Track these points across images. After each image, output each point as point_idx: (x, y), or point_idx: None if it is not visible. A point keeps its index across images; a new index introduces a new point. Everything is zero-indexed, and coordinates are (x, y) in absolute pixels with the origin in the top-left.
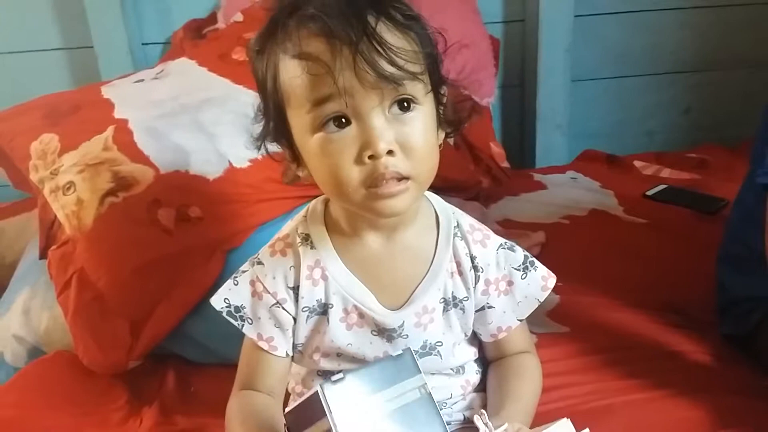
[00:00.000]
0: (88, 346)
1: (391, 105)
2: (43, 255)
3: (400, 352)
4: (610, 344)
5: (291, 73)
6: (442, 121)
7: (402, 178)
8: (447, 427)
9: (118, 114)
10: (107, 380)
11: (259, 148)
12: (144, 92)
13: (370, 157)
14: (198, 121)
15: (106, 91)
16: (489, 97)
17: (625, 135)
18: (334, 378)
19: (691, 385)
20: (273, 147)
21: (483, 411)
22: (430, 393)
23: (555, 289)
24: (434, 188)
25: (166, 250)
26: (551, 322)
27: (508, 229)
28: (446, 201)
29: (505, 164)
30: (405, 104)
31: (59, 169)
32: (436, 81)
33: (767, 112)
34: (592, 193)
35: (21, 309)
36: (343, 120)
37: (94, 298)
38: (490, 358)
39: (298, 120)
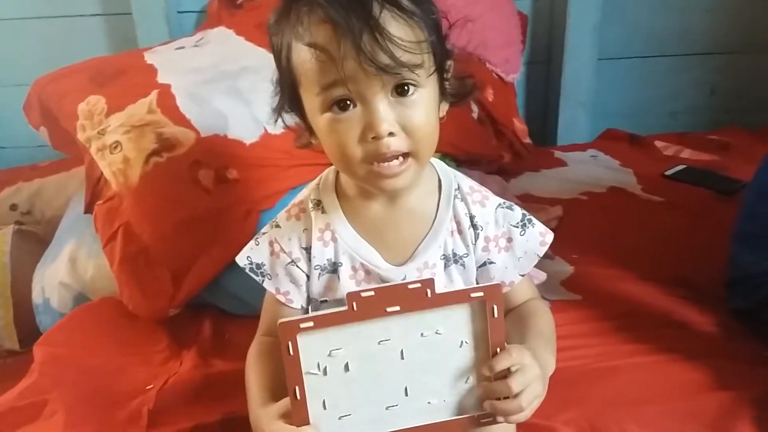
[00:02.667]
0: (133, 294)
1: (393, 89)
2: (88, 209)
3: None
4: (619, 312)
5: (301, 57)
6: (447, 94)
7: (403, 156)
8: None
9: (161, 79)
10: (149, 325)
11: (276, 119)
12: (185, 59)
13: (372, 138)
14: (236, 88)
15: (149, 57)
16: (515, 73)
17: (649, 115)
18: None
19: (695, 351)
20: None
21: None
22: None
23: (570, 261)
24: (456, 161)
25: (205, 208)
26: (564, 291)
27: (527, 203)
28: (468, 174)
29: (528, 140)
30: (406, 88)
31: (106, 129)
32: (440, 59)
33: None
34: (611, 171)
35: (67, 258)
36: (349, 102)
37: (139, 250)
38: None
39: (309, 100)
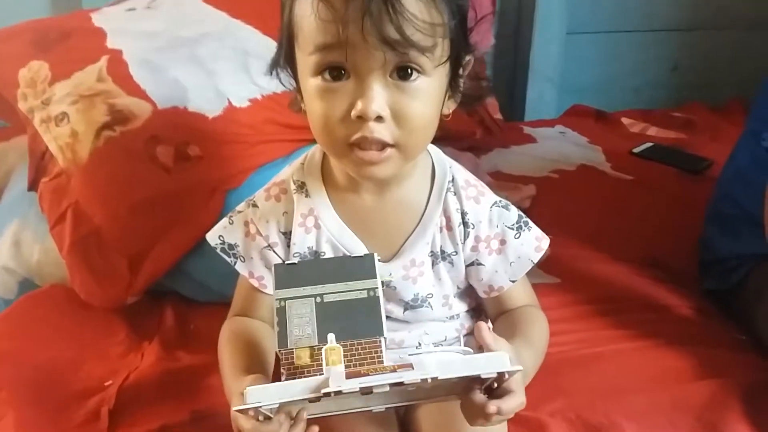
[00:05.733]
0: (85, 281)
1: (393, 70)
2: (32, 187)
3: (362, 255)
4: (599, 296)
5: (303, 10)
6: (457, 92)
7: (384, 146)
8: (385, 329)
9: (110, 44)
10: (105, 315)
11: (270, 73)
12: (137, 22)
13: (357, 117)
14: (196, 56)
15: (97, 19)
16: (485, 47)
17: (613, 90)
18: (289, 262)
19: (675, 336)
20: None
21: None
22: (378, 297)
23: None
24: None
25: (164, 188)
26: (543, 273)
27: (499, 180)
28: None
29: (498, 116)
30: (408, 71)
31: (51, 99)
32: (458, 52)
33: None
34: (580, 148)
35: (11, 241)
36: (342, 72)
37: (91, 233)
38: (492, 316)
39: (302, 59)
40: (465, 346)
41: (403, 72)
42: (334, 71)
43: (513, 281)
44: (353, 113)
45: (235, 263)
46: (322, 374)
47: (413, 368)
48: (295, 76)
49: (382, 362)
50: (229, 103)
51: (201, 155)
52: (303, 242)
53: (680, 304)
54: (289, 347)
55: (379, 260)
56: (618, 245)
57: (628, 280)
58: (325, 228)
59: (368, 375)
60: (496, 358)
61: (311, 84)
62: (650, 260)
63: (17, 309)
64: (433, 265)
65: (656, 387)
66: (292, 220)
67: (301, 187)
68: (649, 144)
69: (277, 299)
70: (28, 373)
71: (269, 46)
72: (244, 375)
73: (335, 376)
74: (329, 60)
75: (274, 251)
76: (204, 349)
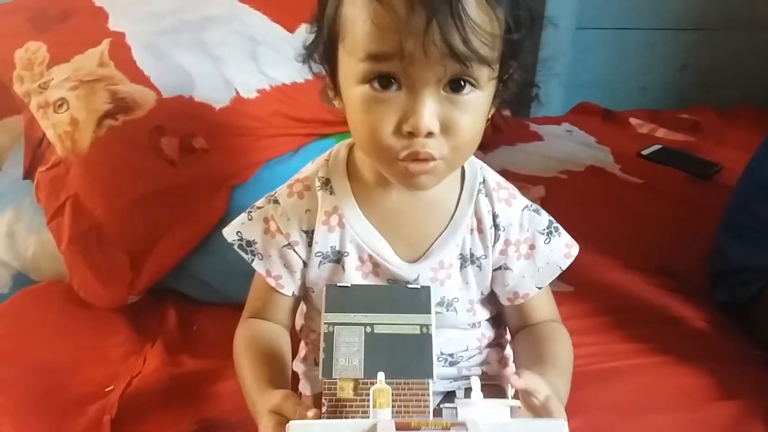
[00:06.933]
0: (85, 278)
1: (448, 83)
2: (27, 175)
3: (419, 286)
4: (613, 306)
5: (356, 12)
6: (498, 98)
7: (433, 159)
8: (435, 372)
9: (113, 26)
10: (105, 315)
11: (304, 62)
12: (139, 2)
13: (408, 132)
14: (201, 41)
15: None
16: None
17: (619, 88)
18: (341, 283)
19: (692, 351)
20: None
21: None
22: (431, 335)
23: None
24: None
25: (169, 182)
26: (556, 281)
27: (508, 181)
28: None
29: (506, 112)
30: (462, 84)
31: (49, 83)
32: (511, 65)
33: None
34: (588, 148)
35: (4, 231)
36: (392, 81)
37: (91, 228)
38: (513, 328)
39: (347, 63)
40: (486, 358)
41: (456, 84)
42: (384, 80)
43: (539, 288)
44: (405, 128)
45: (252, 261)
46: (367, 414)
47: (467, 429)
48: (332, 72)
49: (428, 406)
50: (237, 93)
51: (207, 148)
52: (326, 241)
53: (694, 316)
54: (333, 377)
55: (406, 262)
56: (629, 252)
57: (641, 289)
58: (349, 227)
59: (419, 430)
60: (554, 427)
61: (357, 91)
62: (661, 269)
63: (13, 306)
64: (461, 268)
65: (675, 406)
66: (315, 218)
67: (326, 183)
68: (658, 146)
69: (325, 323)
70: (26, 376)
71: (278, 35)
72: (269, 388)
73: (384, 424)
74: (381, 70)
75: (294, 250)
76: (209, 354)
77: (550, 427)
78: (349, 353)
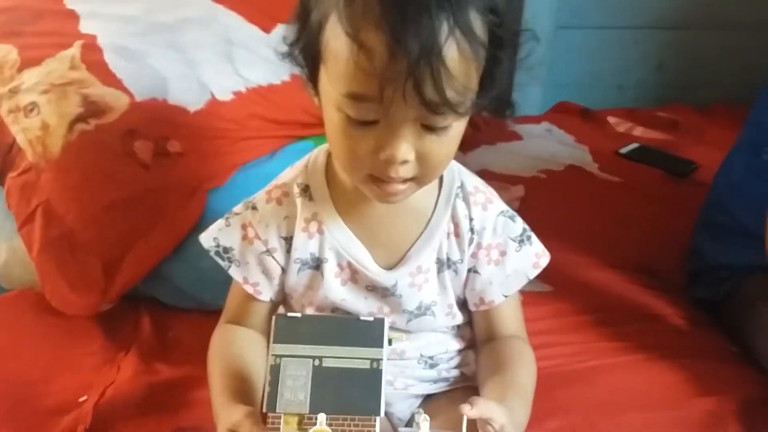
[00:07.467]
0: (57, 286)
1: (423, 122)
2: None
3: (372, 319)
4: (591, 305)
5: (338, 46)
6: (477, 110)
7: (405, 180)
8: (383, 407)
9: (84, 28)
10: (78, 323)
11: (284, 58)
12: (112, 4)
13: (384, 160)
14: (175, 44)
15: (69, 0)
16: None
17: (596, 87)
18: (292, 314)
19: (669, 349)
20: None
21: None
22: (381, 370)
23: None
24: None
25: (143, 186)
26: (535, 280)
27: (487, 180)
28: None
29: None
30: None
31: (19, 87)
32: (492, 88)
33: None
34: (567, 147)
35: None
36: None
37: (63, 234)
38: (479, 339)
39: (328, 87)
40: (463, 359)
41: (432, 125)
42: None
43: (505, 296)
44: (381, 157)
45: (229, 268)
46: None
47: None
48: (311, 77)
49: None
50: (212, 96)
51: (181, 151)
52: (305, 248)
53: (671, 313)
54: (277, 411)
55: (384, 269)
56: (607, 250)
57: (619, 287)
58: (329, 234)
59: None
60: None
61: (337, 116)
62: (640, 267)
63: None
64: (438, 272)
65: (654, 403)
66: (294, 224)
67: (305, 190)
68: (636, 145)
69: (272, 354)
70: None
71: (254, 36)
72: (233, 402)
73: None
74: (360, 112)
75: (272, 257)
76: (185, 361)
77: None
78: (295, 387)
